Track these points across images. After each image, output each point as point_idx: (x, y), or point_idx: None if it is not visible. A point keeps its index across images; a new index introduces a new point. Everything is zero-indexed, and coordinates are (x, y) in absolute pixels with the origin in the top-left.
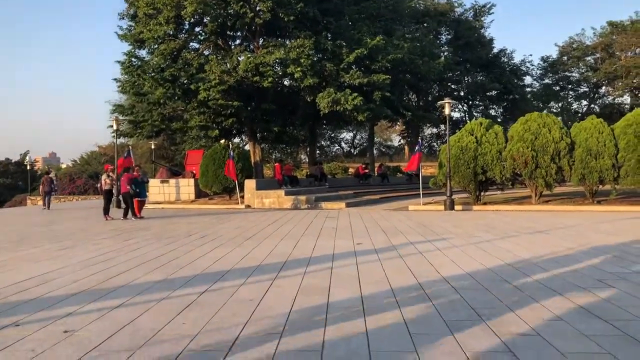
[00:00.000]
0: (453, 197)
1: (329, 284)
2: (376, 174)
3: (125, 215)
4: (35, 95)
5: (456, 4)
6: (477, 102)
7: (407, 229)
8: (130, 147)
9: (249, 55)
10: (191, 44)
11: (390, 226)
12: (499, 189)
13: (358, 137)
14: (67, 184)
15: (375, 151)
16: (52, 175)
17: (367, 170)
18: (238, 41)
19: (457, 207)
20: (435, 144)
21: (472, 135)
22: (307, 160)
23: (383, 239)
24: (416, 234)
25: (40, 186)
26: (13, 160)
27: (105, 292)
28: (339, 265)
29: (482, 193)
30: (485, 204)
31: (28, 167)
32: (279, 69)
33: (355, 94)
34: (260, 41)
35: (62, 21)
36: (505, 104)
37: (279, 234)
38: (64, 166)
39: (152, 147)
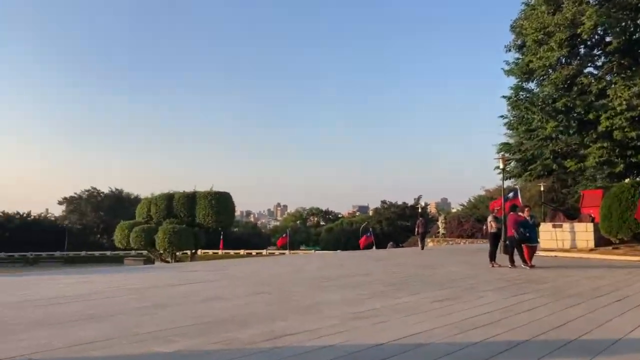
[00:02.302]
0: None
1: None
2: None
3: (512, 263)
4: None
5: None
6: None
7: None
8: (517, 187)
9: None
10: (587, 69)
11: None
12: None
13: None
14: (455, 227)
15: None
16: (440, 218)
17: None
18: None
19: None
20: None
21: None
22: None
23: None
24: None
25: (416, 228)
26: (409, 205)
27: None
28: None
29: None
30: None
31: (419, 210)
32: None
33: None
34: None
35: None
36: None
37: None
38: (453, 210)
39: (541, 189)
